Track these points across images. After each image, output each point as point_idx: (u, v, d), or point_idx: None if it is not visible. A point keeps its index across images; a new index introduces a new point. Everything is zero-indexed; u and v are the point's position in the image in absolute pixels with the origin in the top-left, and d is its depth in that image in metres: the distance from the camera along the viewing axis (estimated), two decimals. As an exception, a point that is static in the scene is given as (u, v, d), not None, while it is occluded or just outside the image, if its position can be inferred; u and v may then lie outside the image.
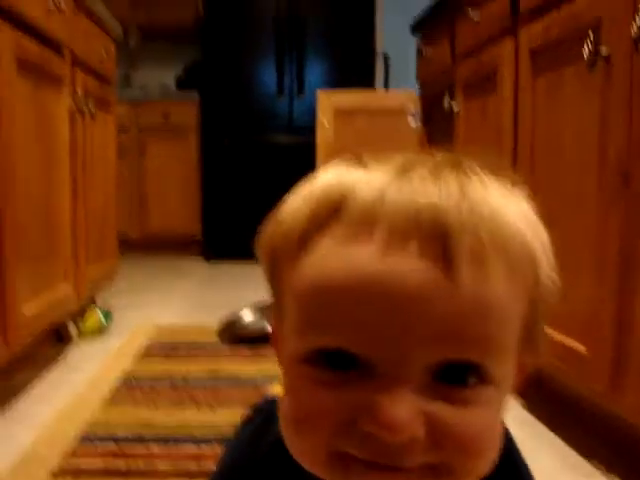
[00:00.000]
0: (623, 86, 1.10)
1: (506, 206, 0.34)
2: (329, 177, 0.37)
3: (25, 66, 1.46)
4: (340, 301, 0.32)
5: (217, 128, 3.78)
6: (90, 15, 1.94)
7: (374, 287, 0.31)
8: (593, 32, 1.17)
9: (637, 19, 1.02)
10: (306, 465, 0.37)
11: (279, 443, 0.41)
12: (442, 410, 0.33)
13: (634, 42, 1.03)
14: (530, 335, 0.36)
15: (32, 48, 1.51)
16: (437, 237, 0.31)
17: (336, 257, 0.33)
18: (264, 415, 0.47)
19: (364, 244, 0.32)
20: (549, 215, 0.39)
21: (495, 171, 0.36)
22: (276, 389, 0.51)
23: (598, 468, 1.19)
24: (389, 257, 0.31)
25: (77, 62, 1.84)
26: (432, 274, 0.31)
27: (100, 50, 2.09)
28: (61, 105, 1.72)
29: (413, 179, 0.33)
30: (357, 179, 0.35)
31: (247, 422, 0.50)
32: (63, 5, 1.60)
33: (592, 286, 1.18)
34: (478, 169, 0.36)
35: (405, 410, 0.31)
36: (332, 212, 0.34)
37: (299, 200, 0.37)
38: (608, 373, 1.15)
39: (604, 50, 1.13)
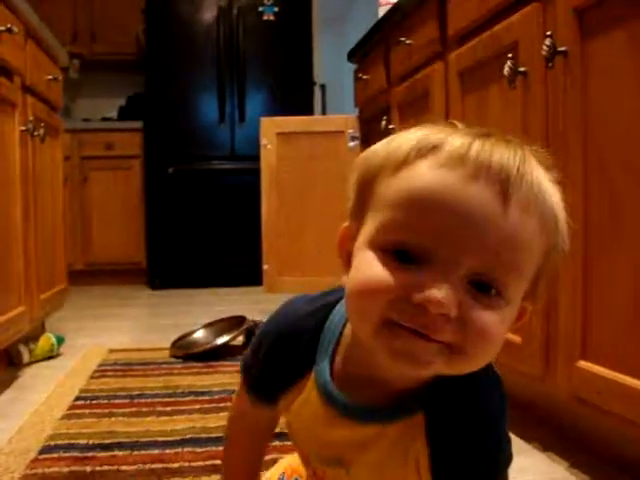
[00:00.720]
0: (540, 99, 1.24)
1: (549, 185, 0.49)
2: (427, 130, 0.50)
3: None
4: (426, 207, 0.46)
5: (161, 157, 3.82)
6: (39, 42, 1.99)
7: (452, 203, 0.45)
8: (512, 53, 1.31)
9: (546, 41, 1.16)
10: (359, 327, 0.50)
11: (334, 313, 0.59)
12: (470, 305, 0.46)
13: (545, 60, 1.17)
14: (534, 287, 0.51)
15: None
16: (501, 182, 0.46)
17: (430, 177, 0.46)
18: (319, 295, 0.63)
19: (452, 174, 0.46)
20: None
21: (546, 165, 0.50)
22: None
23: (536, 447, 1.29)
24: (467, 186, 0.45)
25: (26, 88, 1.88)
26: (492, 205, 0.45)
27: (48, 77, 2.13)
28: (13, 129, 1.76)
29: (492, 141, 0.47)
30: (451, 133, 0.49)
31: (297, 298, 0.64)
32: (15, 31, 1.65)
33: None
34: (538, 160, 0.49)
35: (446, 293, 0.45)
36: (431, 148, 0.47)
37: (399, 138, 0.51)
38: (540, 359, 1.27)
39: (522, 68, 1.27)
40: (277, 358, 0.60)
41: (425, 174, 0.46)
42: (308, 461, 0.66)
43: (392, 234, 0.47)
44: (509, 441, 0.58)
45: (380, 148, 0.52)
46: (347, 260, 0.52)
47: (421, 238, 0.46)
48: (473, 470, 0.56)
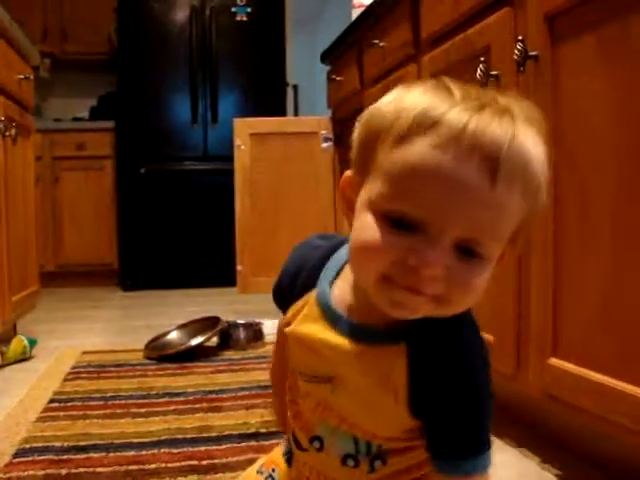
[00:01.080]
0: (511, 102, 1.26)
1: (536, 152, 0.53)
2: (430, 99, 0.53)
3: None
4: (421, 183, 0.51)
5: (133, 157, 3.78)
6: (10, 41, 1.96)
7: (444, 181, 0.50)
8: (484, 56, 1.34)
9: (518, 45, 1.19)
10: (360, 277, 0.59)
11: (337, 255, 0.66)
12: (456, 265, 0.53)
13: (517, 64, 1.20)
14: (516, 237, 0.57)
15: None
16: (491, 159, 0.50)
17: (426, 155, 0.51)
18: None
19: (447, 152, 0.50)
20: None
21: (532, 120, 0.54)
22: None
23: (509, 444, 1.32)
24: (459, 165, 0.50)
25: (-3, 88, 1.86)
26: (481, 182, 0.50)
27: (19, 76, 2.11)
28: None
29: (488, 114, 0.51)
30: (451, 106, 0.52)
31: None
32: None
33: (495, 284, 1.32)
34: (525, 118, 0.53)
35: (437, 256, 0.52)
36: (430, 126, 0.51)
37: (404, 101, 0.54)
38: (512, 357, 1.29)
39: (494, 71, 1.30)
40: (286, 277, 0.70)
41: (422, 152, 0.51)
42: (295, 387, 0.70)
43: (390, 204, 0.53)
44: (492, 395, 0.62)
45: (385, 109, 0.56)
46: (348, 206, 0.60)
47: (415, 210, 0.52)
48: (451, 407, 0.59)
